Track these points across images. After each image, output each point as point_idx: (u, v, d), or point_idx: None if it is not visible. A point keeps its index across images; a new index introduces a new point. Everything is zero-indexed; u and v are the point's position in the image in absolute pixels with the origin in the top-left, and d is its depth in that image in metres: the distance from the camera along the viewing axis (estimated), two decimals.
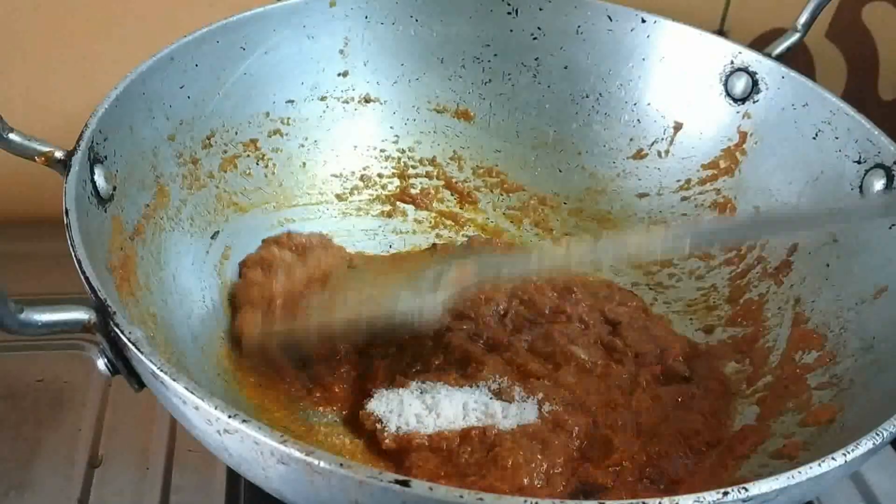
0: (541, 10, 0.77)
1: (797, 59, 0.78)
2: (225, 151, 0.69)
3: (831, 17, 0.88)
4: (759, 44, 0.73)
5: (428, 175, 0.79)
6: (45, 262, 0.69)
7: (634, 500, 0.39)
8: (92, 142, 0.54)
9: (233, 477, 0.61)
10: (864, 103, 0.67)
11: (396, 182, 0.78)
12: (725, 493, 0.39)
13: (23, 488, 0.60)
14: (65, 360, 0.68)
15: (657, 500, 0.38)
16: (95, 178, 0.54)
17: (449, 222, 0.79)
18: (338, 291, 0.64)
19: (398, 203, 0.78)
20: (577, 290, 0.70)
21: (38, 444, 0.63)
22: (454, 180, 0.80)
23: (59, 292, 0.57)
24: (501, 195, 0.80)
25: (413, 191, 0.79)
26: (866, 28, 0.88)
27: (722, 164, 0.74)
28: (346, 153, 0.77)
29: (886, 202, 0.59)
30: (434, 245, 0.76)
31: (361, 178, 0.77)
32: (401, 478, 0.38)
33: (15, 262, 0.75)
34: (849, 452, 0.42)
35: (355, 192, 0.77)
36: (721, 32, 0.83)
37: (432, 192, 0.79)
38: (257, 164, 0.72)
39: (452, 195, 0.80)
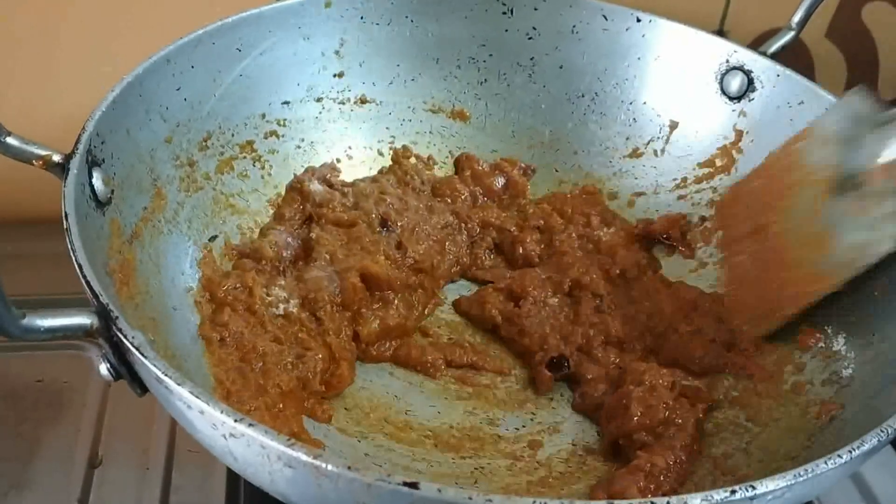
0: (536, 9, 0.77)
1: (797, 60, 0.79)
2: (221, 153, 0.69)
3: (831, 17, 0.88)
4: (759, 44, 0.73)
5: None
6: (45, 263, 0.69)
7: (640, 500, 0.39)
8: (90, 145, 0.54)
9: (233, 477, 0.61)
10: None
11: None
12: (733, 492, 0.39)
13: (23, 488, 0.60)
14: (65, 361, 0.68)
15: (665, 500, 0.38)
16: (93, 181, 0.54)
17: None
18: None
19: None
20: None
21: (38, 444, 0.63)
22: None
23: (60, 293, 0.57)
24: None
25: None
26: (866, 28, 0.88)
27: (718, 163, 0.74)
28: (342, 154, 0.76)
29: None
30: None
31: None
32: (409, 480, 0.38)
33: (15, 263, 0.75)
34: (854, 449, 0.42)
35: None
36: (721, 32, 0.83)
37: None
38: (254, 165, 0.71)
39: None
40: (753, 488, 0.39)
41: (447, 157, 0.80)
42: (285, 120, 0.73)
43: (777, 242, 0.62)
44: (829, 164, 0.59)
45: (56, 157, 0.53)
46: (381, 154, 0.78)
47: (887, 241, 0.56)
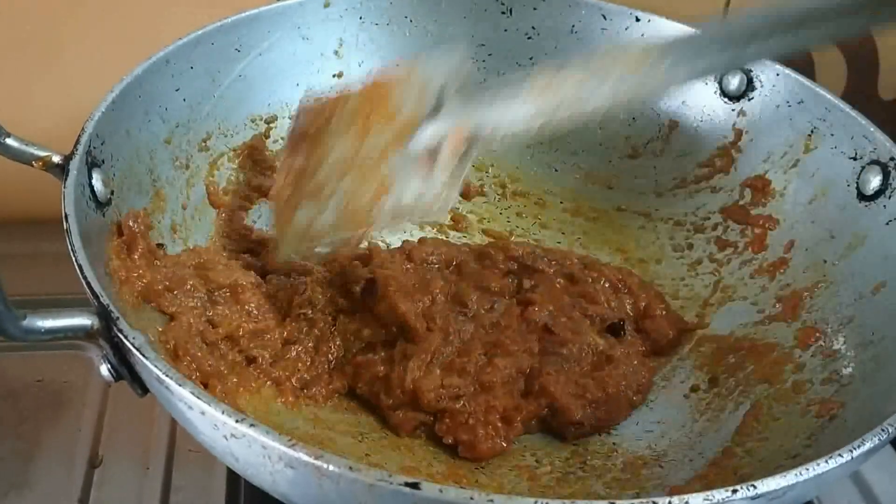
0: (535, 9, 0.77)
1: (797, 60, 0.79)
2: (221, 154, 0.69)
3: None
4: None
5: None
6: (45, 263, 0.68)
7: (642, 500, 0.39)
8: (89, 146, 0.54)
9: (233, 477, 0.61)
10: (864, 103, 0.67)
11: None
12: (735, 491, 0.39)
13: (23, 488, 0.60)
14: (65, 360, 0.69)
15: (667, 500, 0.38)
16: (93, 182, 0.54)
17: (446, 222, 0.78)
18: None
19: None
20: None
21: (38, 444, 0.63)
22: None
23: (60, 293, 0.57)
24: (496, 194, 0.80)
25: None
26: None
27: (718, 163, 0.74)
28: None
29: None
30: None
31: None
32: (411, 480, 0.38)
33: (15, 263, 0.75)
34: (855, 448, 0.43)
35: None
36: None
37: None
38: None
39: None
40: (755, 487, 0.39)
41: None
42: (285, 121, 0.73)
43: (342, 168, 0.61)
44: (418, 114, 0.59)
45: (56, 158, 0.53)
46: None
47: (441, 211, 0.59)
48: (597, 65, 0.54)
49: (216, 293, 0.60)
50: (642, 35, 0.75)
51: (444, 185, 0.58)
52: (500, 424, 0.60)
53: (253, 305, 0.61)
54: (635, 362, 0.65)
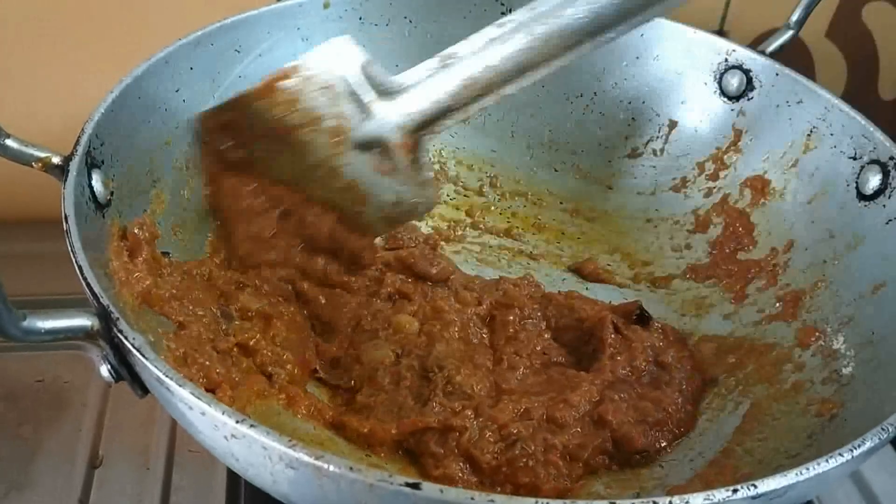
0: None
1: (797, 59, 0.79)
2: None
3: (831, 16, 0.89)
4: (760, 44, 0.73)
5: None
6: (45, 263, 0.68)
7: (643, 500, 0.39)
8: (89, 146, 0.54)
9: (233, 477, 0.61)
10: (864, 103, 0.67)
11: None
12: (735, 491, 0.39)
13: (23, 488, 0.60)
14: (65, 361, 0.69)
15: (667, 500, 0.38)
16: (93, 183, 0.54)
17: (445, 222, 0.78)
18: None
19: None
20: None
21: (39, 444, 0.63)
22: None
23: (60, 293, 0.57)
24: (496, 195, 0.80)
25: None
26: (866, 28, 0.89)
27: (717, 162, 0.74)
28: None
29: None
30: None
31: None
32: (411, 480, 0.38)
33: (15, 263, 0.74)
34: (855, 448, 0.42)
35: None
36: (721, 32, 0.83)
37: None
38: None
39: None
40: (755, 487, 0.39)
41: (445, 157, 0.80)
42: None
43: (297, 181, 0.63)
44: (343, 119, 0.60)
45: (55, 159, 0.53)
46: None
47: (426, 204, 0.63)
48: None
49: (231, 307, 0.61)
50: (642, 35, 0.75)
51: (416, 183, 0.60)
52: (560, 463, 0.57)
53: (280, 337, 0.61)
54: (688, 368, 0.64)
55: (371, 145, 0.60)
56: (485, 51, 0.57)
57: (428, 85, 0.58)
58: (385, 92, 0.60)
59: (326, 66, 0.60)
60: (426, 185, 0.61)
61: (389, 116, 0.59)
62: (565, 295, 0.70)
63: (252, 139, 0.63)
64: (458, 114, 0.59)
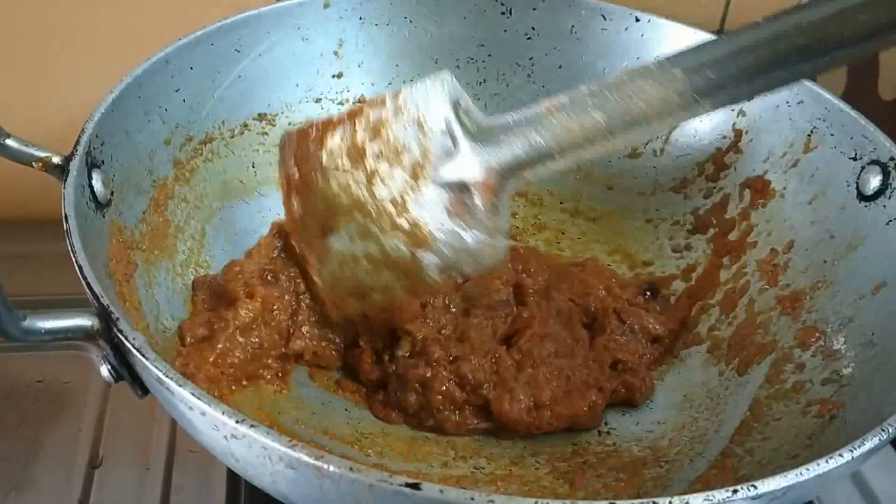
0: (534, 9, 0.77)
1: None
2: (220, 155, 0.69)
3: None
4: None
5: None
6: (45, 263, 0.69)
7: (643, 500, 0.39)
8: (89, 146, 0.54)
9: (233, 477, 0.62)
10: (864, 103, 0.67)
11: None
12: (735, 491, 0.39)
13: (23, 488, 0.60)
14: (65, 361, 0.69)
15: (667, 500, 0.39)
16: (93, 183, 0.54)
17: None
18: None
19: None
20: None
21: (39, 444, 0.63)
22: None
23: (60, 293, 0.57)
24: None
25: None
26: None
27: (717, 163, 0.74)
28: None
29: None
30: None
31: None
32: (411, 481, 0.38)
33: (15, 263, 0.75)
34: (855, 448, 0.42)
35: None
36: (721, 33, 0.83)
37: None
38: (252, 167, 0.71)
39: None
40: (755, 487, 0.39)
41: None
42: (285, 121, 0.73)
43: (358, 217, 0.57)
44: (429, 153, 0.55)
45: (56, 159, 0.53)
46: None
47: (494, 255, 0.57)
48: (619, 97, 0.52)
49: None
50: (642, 36, 0.75)
51: (489, 231, 0.56)
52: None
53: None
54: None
55: (451, 182, 0.55)
56: (589, 102, 0.53)
57: (525, 127, 0.55)
58: (477, 129, 0.56)
59: (421, 98, 0.56)
60: (499, 233, 0.57)
61: (478, 154, 0.55)
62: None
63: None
64: (554, 162, 0.55)
